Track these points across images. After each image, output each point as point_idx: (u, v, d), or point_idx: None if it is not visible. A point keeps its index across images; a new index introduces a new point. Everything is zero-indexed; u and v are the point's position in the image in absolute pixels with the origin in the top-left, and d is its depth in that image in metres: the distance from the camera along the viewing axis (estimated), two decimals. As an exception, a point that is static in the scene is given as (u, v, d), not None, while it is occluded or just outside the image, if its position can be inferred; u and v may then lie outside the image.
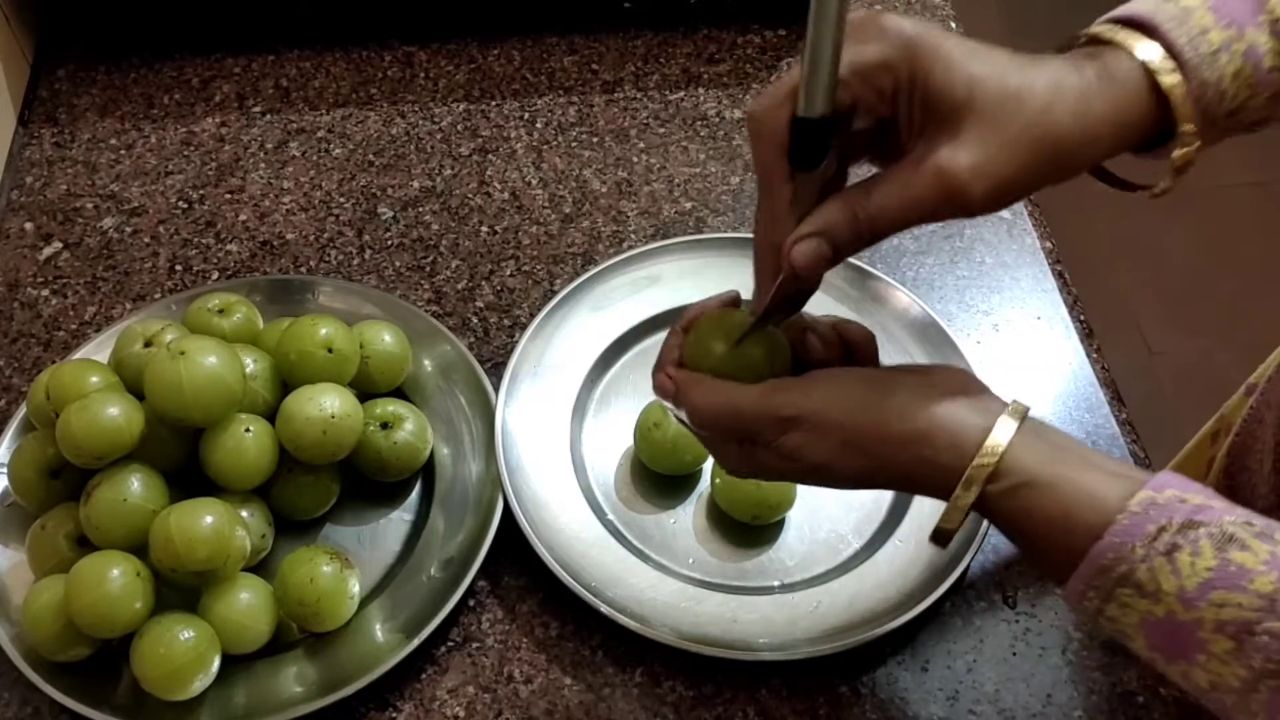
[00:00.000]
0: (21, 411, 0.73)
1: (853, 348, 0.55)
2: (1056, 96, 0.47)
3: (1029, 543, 0.49)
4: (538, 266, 0.85)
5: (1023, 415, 0.49)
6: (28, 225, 0.88)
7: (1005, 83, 0.47)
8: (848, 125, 0.48)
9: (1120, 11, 0.51)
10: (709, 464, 0.74)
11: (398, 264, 0.85)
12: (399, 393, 0.76)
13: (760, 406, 0.51)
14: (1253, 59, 0.49)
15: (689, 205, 0.89)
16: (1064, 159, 0.48)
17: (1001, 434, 0.48)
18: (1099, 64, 0.49)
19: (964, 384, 0.52)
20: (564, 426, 0.75)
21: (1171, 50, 0.48)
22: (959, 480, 0.48)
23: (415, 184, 0.91)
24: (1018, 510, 0.48)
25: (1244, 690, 0.43)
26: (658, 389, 0.54)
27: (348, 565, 0.66)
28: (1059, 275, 0.86)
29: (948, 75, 0.46)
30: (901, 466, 0.50)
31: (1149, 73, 0.48)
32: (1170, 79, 0.48)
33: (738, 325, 0.54)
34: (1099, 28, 0.51)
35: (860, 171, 0.51)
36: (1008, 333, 0.82)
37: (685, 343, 0.55)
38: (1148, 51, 0.48)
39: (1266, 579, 0.42)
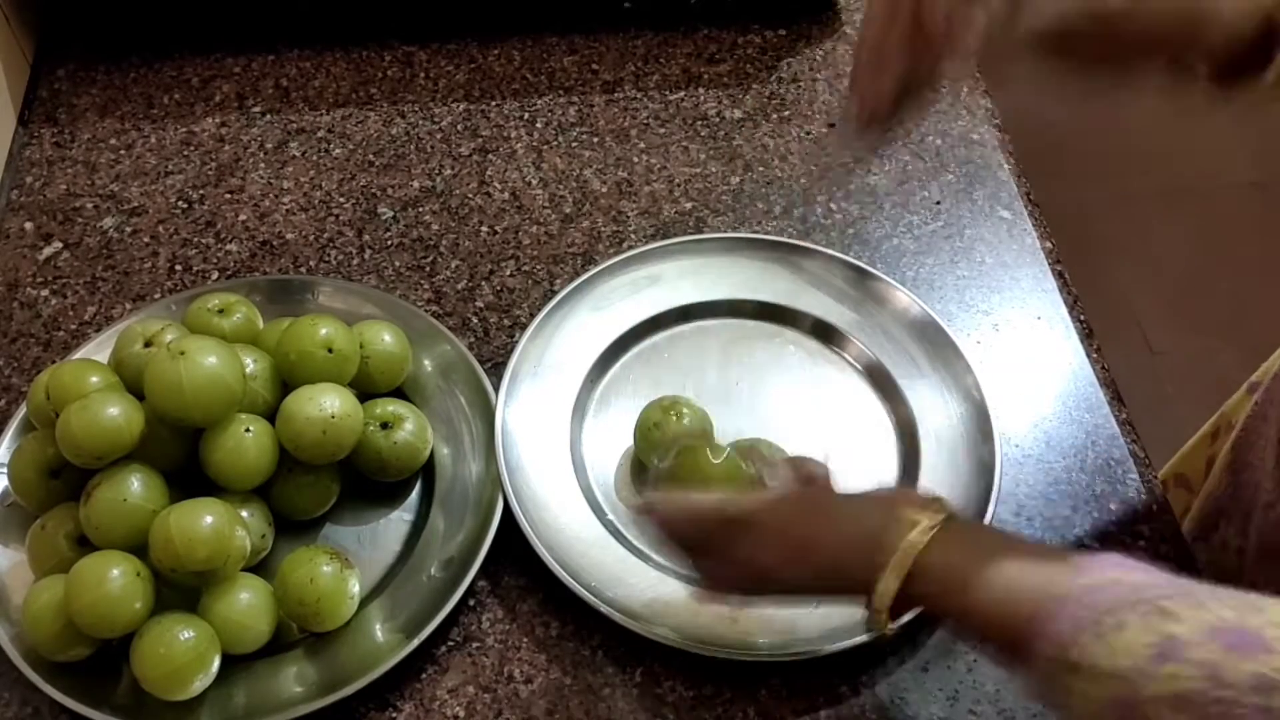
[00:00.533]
0: (21, 411, 0.73)
1: (809, 481, 0.60)
2: None
3: (978, 641, 0.52)
4: (538, 266, 0.85)
5: (944, 514, 0.52)
6: (28, 225, 0.88)
7: None
8: None
9: None
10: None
11: (398, 264, 0.85)
12: (399, 393, 0.76)
13: (713, 510, 0.58)
14: None
15: (689, 205, 0.89)
16: (1190, 37, 0.50)
17: (918, 534, 0.51)
18: None
19: (900, 495, 0.58)
20: (564, 426, 0.75)
21: None
22: (878, 578, 0.52)
23: (415, 184, 0.91)
24: (957, 610, 0.51)
25: None
26: (640, 513, 0.62)
27: (348, 565, 0.66)
28: (1059, 275, 0.86)
29: None
30: (837, 571, 0.54)
31: None
32: None
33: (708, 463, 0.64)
34: None
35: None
36: (1008, 332, 0.82)
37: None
38: None
39: (1206, 648, 0.42)
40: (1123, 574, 0.46)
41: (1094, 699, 0.45)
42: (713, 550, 0.58)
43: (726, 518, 0.57)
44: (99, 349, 0.75)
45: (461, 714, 0.65)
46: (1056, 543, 0.52)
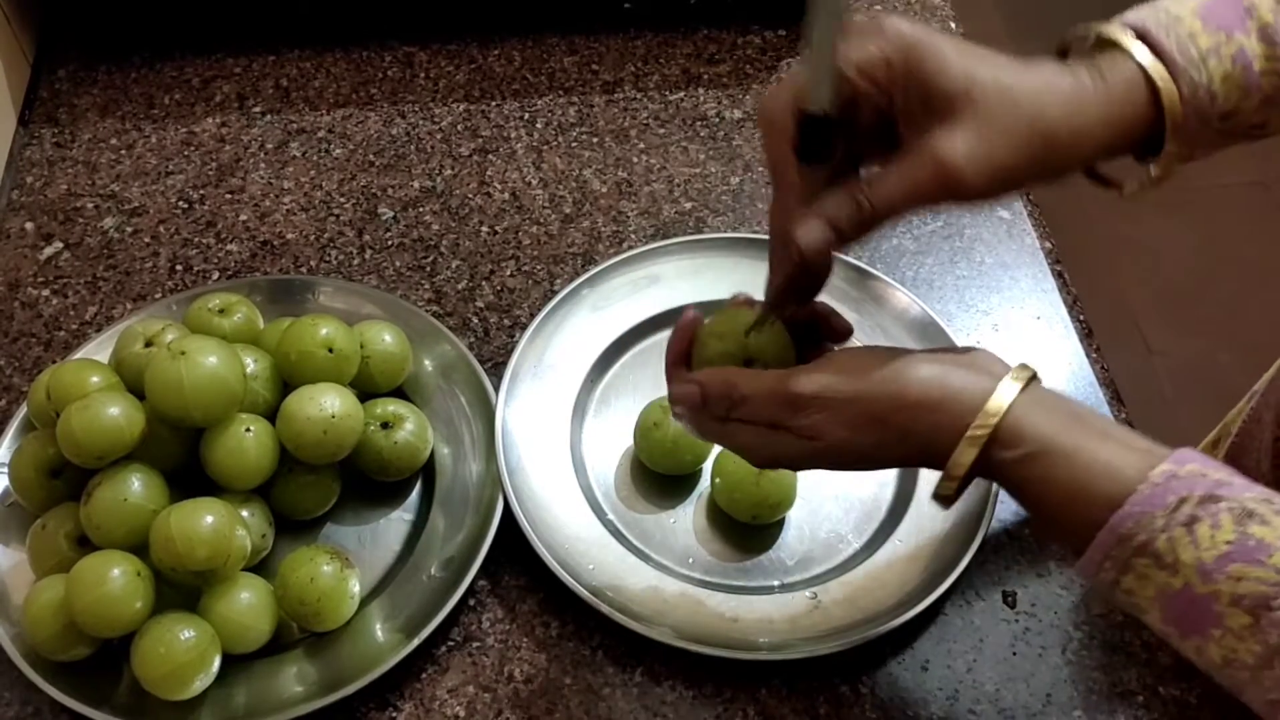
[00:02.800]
0: (22, 411, 0.73)
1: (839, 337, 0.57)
2: (1049, 93, 0.49)
3: (1045, 512, 0.49)
4: (538, 266, 0.85)
5: (1027, 380, 0.50)
6: (28, 225, 0.88)
7: (999, 78, 0.49)
8: (854, 123, 0.50)
9: (1113, 19, 0.52)
10: (709, 464, 0.74)
11: (398, 264, 0.85)
12: (399, 393, 0.76)
13: (777, 389, 0.52)
14: (1242, 62, 0.50)
15: (689, 205, 0.89)
16: (1056, 152, 0.50)
17: (1002, 397, 0.49)
18: (1092, 66, 0.51)
19: (977, 356, 0.52)
20: (564, 426, 0.75)
21: (1160, 53, 0.50)
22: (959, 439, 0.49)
23: (415, 184, 0.91)
24: (1034, 479, 0.49)
25: (1258, 666, 0.43)
26: (679, 398, 0.55)
27: (348, 565, 0.66)
28: (1059, 275, 0.86)
29: (943, 70, 0.48)
30: (918, 435, 0.51)
31: (1143, 73, 0.50)
32: (1162, 80, 0.50)
33: (741, 322, 0.56)
34: (1096, 27, 0.52)
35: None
36: (1007, 333, 0.82)
37: (695, 340, 0.57)
38: (1140, 53, 0.50)
39: None
40: (1207, 468, 0.45)
41: (1148, 585, 0.45)
42: (777, 425, 0.53)
43: (787, 392, 0.52)
44: (99, 349, 0.76)
45: (461, 714, 0.65)
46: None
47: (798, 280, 0.54)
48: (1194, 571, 0.44)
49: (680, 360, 0.58)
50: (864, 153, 0.53)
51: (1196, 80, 0.50)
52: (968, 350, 0.53)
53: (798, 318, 0.58)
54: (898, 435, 0.51)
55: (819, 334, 0.58)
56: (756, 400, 0.52)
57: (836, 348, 0.56)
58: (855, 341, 0.78)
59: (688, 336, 0.58)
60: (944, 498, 0.52)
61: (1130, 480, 0.46)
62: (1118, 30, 0.51)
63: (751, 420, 0.53)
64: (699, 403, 0.54)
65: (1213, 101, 0.51)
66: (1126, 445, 0.48)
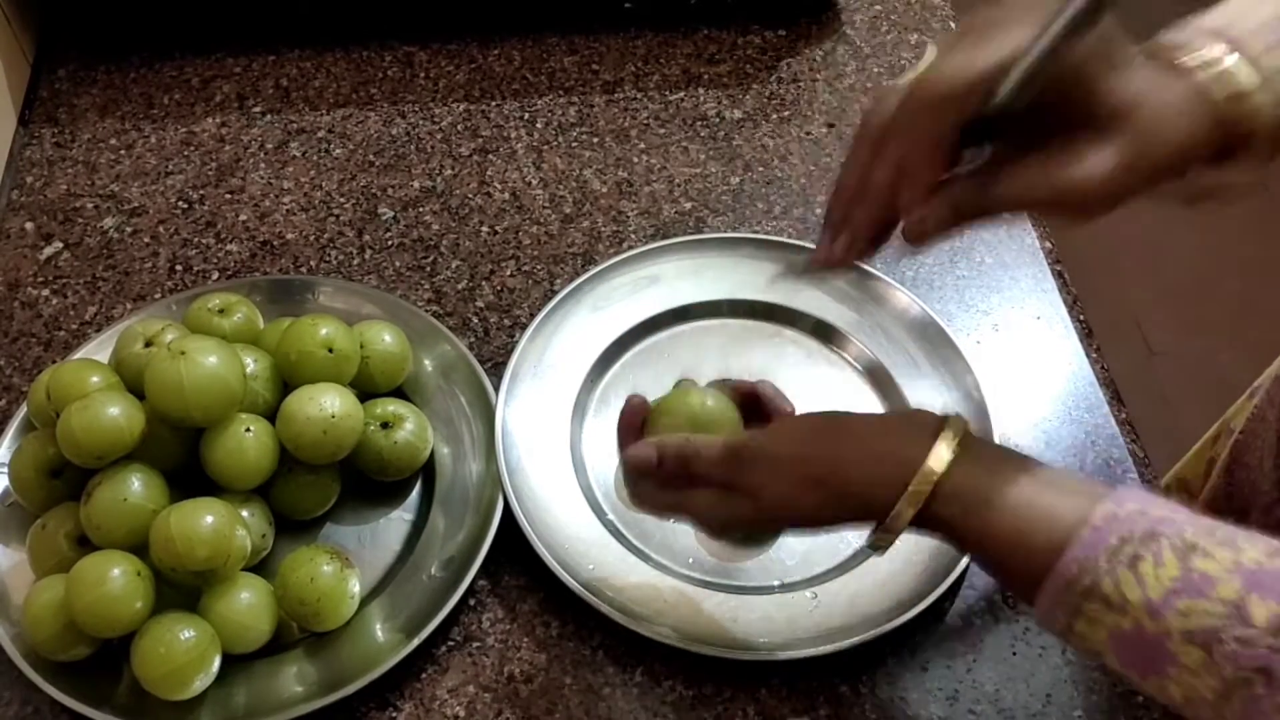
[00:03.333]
0: (22, 411, 0.73)
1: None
2: (1179, 118, 0.48)
3: (990, 563, 0.50)
4: (538, 266, 0.85)
5: (962, 433, 0.51)
6: (28, 225, 0.88)
7: (1159, 102, 0.47)
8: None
9: (1197, 24, 0.51)
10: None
11: (398, 264, 0.85)
12: (399, 393, 0.76)
13: (726, 444, 0.55)
14: None
15: (689, 205, 0.89)
16: (1171, 174, 0.49)
17: (940, 454, 0.50)
18: (1187, 81, 0.49)
19: (913, 414, 0.55)
20: (564, 426, 0.75)
21: (1251, 60, 0.48)
22: (898, 498, 0.50)
23: (415, 184, 0.91)
24: (975, 531, 0.49)
25: (1218, 701, 0.43)
26: (636, 461, 0.58)
27: (348, 565, 0.66)
28: (1059, 275, 0.86)
29: (1121, 87, 0.47)
30: (856, 495, 0.52)
31: (1234, 85, 0.48)
32: (1256, 89, 0.48)
33: (691, 400, 0.62)
34: (1188, 38, 0.50)
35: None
36: (1007, 332, 0.82)
37: (647, 420, 0.63)
38: (1237, 65, 0.49)
39: (1230, 585, 0.42)
40: (1147, 506, 0.46)
41: (1099, 628, 0.45)
42: (718, 486, 0.55)
43: (734, 450, 0.54)
44: (99, 349, 0.76)
45: (462, 714, 0.65)
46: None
47: (880, 238, 0.53)
48: (1142, 610, 0.44)
49: (632, 437, 0.62)
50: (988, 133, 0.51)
51: None
52: (905, 410, 0.56)
53: (741, 394, 0.64)
54: (837, 495, 0.53)
55: (762, 411, 0.63)
56: (707, 458, 0.55)
57: (780, 417, 0.60)
58: (858, 344, 0.79)
59: (637, 417, 0.63)
60: (879, 548, 0.54)
61: (1071, 525, 0.46)
62: (1209, 41, 0.49)
63: (704, 478, 0.56)
64: (654, 462, 0.57)
65: None
66: (1065, 489, 0.48)
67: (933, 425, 0.51)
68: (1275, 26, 0.50)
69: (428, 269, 0.85)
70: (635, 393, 0.64)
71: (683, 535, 0.72)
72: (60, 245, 0.87)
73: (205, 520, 0.62)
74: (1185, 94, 0.48)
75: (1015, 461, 0.50)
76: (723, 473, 0.55)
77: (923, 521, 0.51)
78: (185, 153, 0.93)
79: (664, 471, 0.57)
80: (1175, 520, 0.45)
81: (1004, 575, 0.51)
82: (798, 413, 0.60)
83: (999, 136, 0.50)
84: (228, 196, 0.90)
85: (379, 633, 0.67)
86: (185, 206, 0.89)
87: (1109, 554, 0.44)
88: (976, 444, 0.51)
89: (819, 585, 0.69)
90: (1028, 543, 0.47)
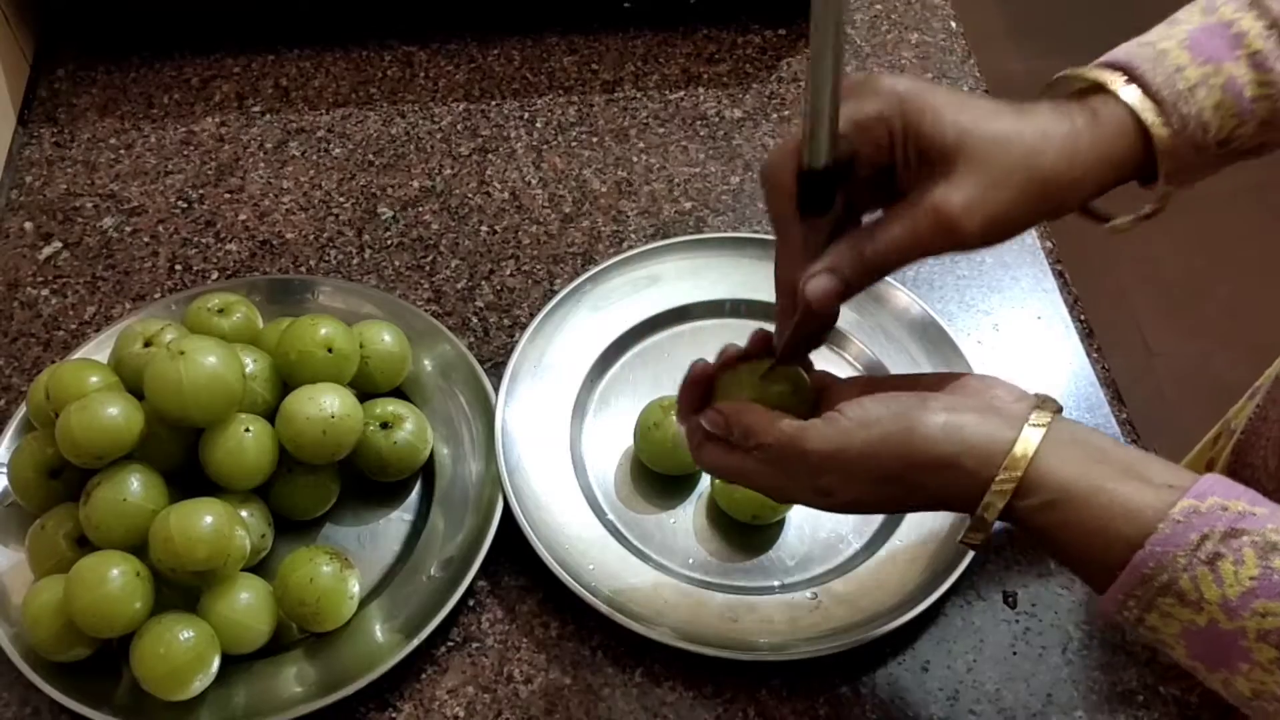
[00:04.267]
0: (21, 411, 0.73)
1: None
2: (1044, 140, 0.50)
3: (1066, 554, 0.49)
4: (538, 266, 0.85)
5: (1048, 421, 0.49)
6: (27, 225, 0.88)
7: (993, 128, 0.50)
8: (853, 175, 0.51)
9: (1101, 59, 0.54)
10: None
11: (397, 264, 0.85)
12: (399, 393, 0.76)
13: (792, 445, 0.52)
14: (1233, 91, 0.52)
15: (689, 205, 0.89)
16: (1053, 197, 0.51)
17: (1025, 446, 0.49)
18: (1085, 108, 0.52)
19: (989, 396, 0.52)
20: (564, 426, 0.75)
21: (1148, 90, 0.51)
22: (983, 494, 0.49)
23: (415, 184, 0.91)
24: (1054, 525, 0.48)
25: None
26: (710, 423, 0.55)
27: (347, 565, 0.66)
28: (1059, 275, 0.86)
29: (937, 124, 0.50)
30: (933, 491, 0.51)
31: (1132, 113, 0.51)
32: (1151, 117, 0.51)
33: (760, 368, 0.57)
34: (1085, 70, 0.53)
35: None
36: (1008, 332, 0.82)
37: (716, 386, 0.58)
38: (1129, 93, 0.52)
39: None
40: (1229, 499, 0.45)
41: (1172, 623, 0.45)
42: (791, 476, 0.54)
43: (802, 452, 0.52)
44: (99, 349, 0.75)
45: (461, 714, 0.65)
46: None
47: (806, 329, 0.55)
48: (1219, 609, 0.43)
49: (693, 408, 0.58)
50: (865, 202, 0.54)
51: (1186, 113, 0.51)
52: (984, 386, 0.53)
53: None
54: (912, 490, 0.51)
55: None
56: (774, 449, 0.53)
57: (845, 405, 0.54)
58: (858, 343, 0.79)
59: (700, 387, 0.58)
60: (973, 545, 0.52)
61: (1151, 520, 0.45)
62: (1104, 73, 0.52)
63: (770, 462, 0.54)
64: (724, 430, 0.54)
65: (1205, 131, 0.52)
66: (1147, 480, 0.47)
67: (1017, 410, 0.50)
68: (1176, 58, 0.52)
69: (427, 269, 0.85)
70: (699, 359, 0.59)
71: (683, 536, 0.72)
72: (60, 245, 0.87)
73: (205, 520, 0.62)
74: (1079, 125, 0.51)
75: (1100, 448, 0.49)
76: (787, 467, 0.53)
77: (1004, 514, 0.50)
78: (185, 152, 0.93)
79: (731, 442, 0.55)
80: (1257, 515, 0.44)
81: (1075, 565, 0.49)
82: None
83: (863, 204, 0.54)
84: (227, 196, 0.90)
85: (378, 633, 0.67)
86: (185, 206, 0.89)
87: (1188, 551, 0.44)
88: (1062, 429, 0.50)
89: (819, 585, 0.69)
90: (1105, 536, 0.46)
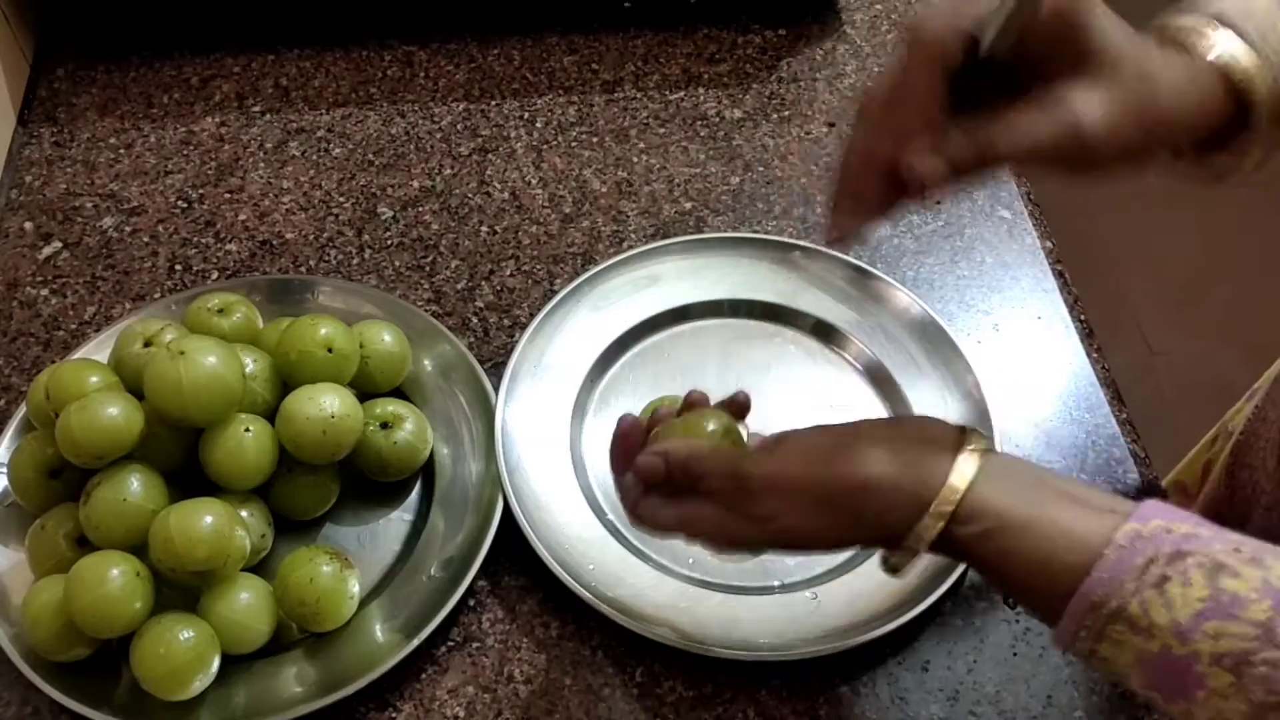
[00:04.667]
0: (21, 411, 0.73)
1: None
2: (1167, 73, 0.49)
3: (1011, 584, 0.48)
4: (538, 266, 0.85)
5: (984, 448, 0.49)
6: (27, 225, 0.88)
7: (1138, 52, 0.49)
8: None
9: (1198, 7, 0.52)
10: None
11: (397, 264, 0.85)
12: (399, 393, 0.76)
13: (734, 470, 0.53)
14: None
15: (689, 205, 0.89)
16: (1162, 134, 0.50)
17: (961, 473, 0.48)
18: (1188, 57, 0.50)
19: (928, 427, 0.52)
20: (564, 426, 0.75)
21: (1246, 39, 0.50)
22: (919, 519, 0.49)
23: (415, 184, 0.91)
24: (996, 554, 0.48)
25: None
26: (645, 470, 0.55)
27: (347, 565, 0.66)
28: (1059, 275, 0.86)
29: (1100, 29, 0.48)
30: (873, 518, 0.50)
31: (1227, 64, 0.50)
32: (1253, 67, 0.50)
33: (695, 420, 0.58)
34: (1184, 19, 0.52)
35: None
36: (1008, 332, 0.82)
37: (651, 438, 0.58)
38: (1228, 41, 0.50)
39: (1260, 606, 0.41)
40: (1172, 522, 0.44)
41: (1125, 651, 0.44)
42: (733, 509, 0.53)
43: (742, 478, 0.52)
44: (99, 349, 0.75)
45: (461, 714, 0.65)
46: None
47: (886, 204, 0.52)
48: (1170, 633, 0.43)
49: (625, 462, 0.58)
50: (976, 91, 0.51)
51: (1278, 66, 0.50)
52: (919, 422, 0.53)
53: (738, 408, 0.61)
54: (852, 519, 0.51)
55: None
56: (714, 477, 0.53)
57: (785, 434, 0.55)
58: (858, 344, 0.79)
59: (633, 440, 0.59)
60: (896, 570, 0.52)
61: (1095, 546, 0.45)
62: (1202, 21, 0.51)
63: (710, 495, 0.53)
64: (662, 471, 0.54)
65: None
66: (1088, 507, 0.47)
67: (953, 440, 0.50)
68: (1272, 10, 0.50)
69: (427, 269, 0.85)
70: (626, 414, 0.61)
71: (683, 535, 0.72)
72: (59, 245, 0.87)
73: (204, 520, 0.62)
74: (1181, 66, 0.50)
75: (1035, 477, 0.49)
76: (730, 496, 0.53)
77: (941, 543, 0.49)
78: (184, 152, 0.93)
79: (671, 483, 0.55)
80: (1201, 537, 0.44)
81: (1023, 597, 0.49)
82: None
83: (995, 90, 0.50)
84: (227, 196, 0.90)
85: (378, 633, 0.67)
86: (184, 206, 0.89)
87: (1135, 575, 0.43)
88: (998, 460, 0.49)
89: (819, 585, 0.69)
90: (1049, 565, 0.46)
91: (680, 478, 0.54)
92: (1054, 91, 0.48)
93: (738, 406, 0.62)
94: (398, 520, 0.73)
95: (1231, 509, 0.78)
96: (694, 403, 0.61)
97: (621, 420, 0.60)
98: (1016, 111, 0.48)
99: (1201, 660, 0.42)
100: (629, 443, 0.59)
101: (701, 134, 0.94)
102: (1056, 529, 0.46)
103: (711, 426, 0.58)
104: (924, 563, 0.69)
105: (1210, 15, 0.51)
